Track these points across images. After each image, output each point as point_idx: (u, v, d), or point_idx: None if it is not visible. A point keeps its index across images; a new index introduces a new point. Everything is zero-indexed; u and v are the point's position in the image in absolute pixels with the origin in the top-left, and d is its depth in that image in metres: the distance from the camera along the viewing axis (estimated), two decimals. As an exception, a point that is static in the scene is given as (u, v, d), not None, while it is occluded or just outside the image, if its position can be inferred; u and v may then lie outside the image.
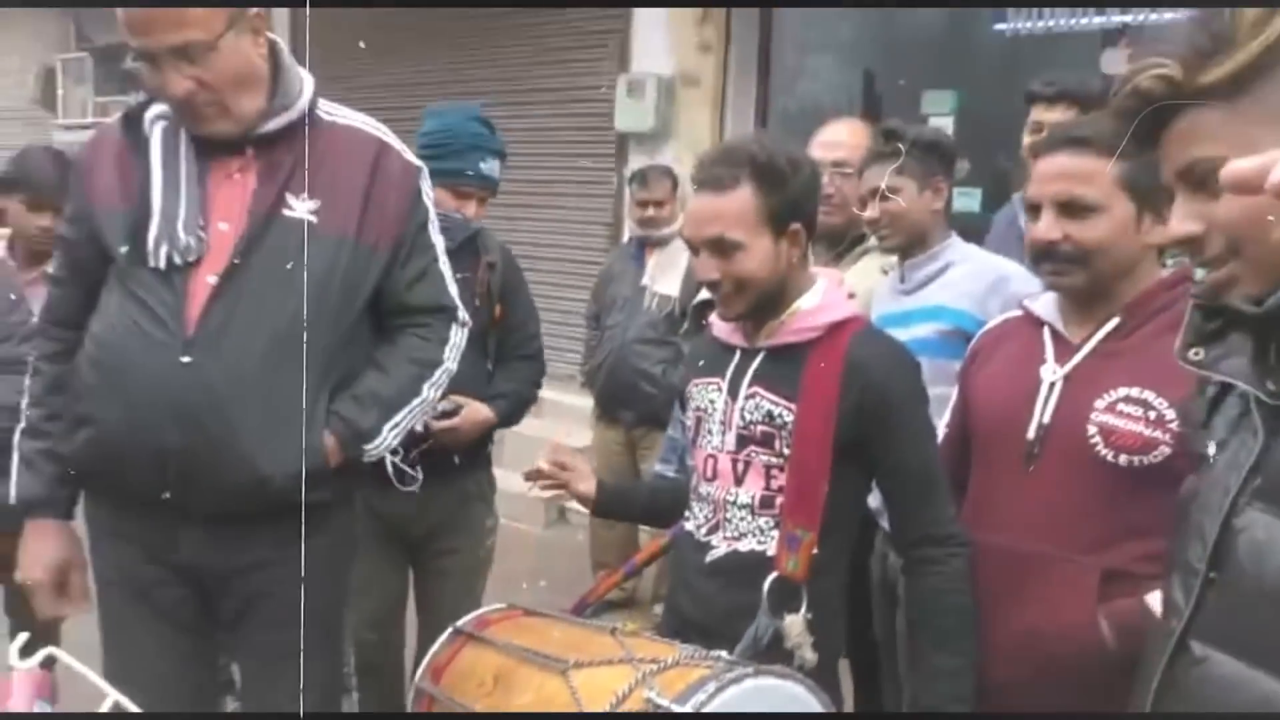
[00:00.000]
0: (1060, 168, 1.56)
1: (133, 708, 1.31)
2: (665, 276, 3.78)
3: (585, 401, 4.45)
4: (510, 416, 2.64)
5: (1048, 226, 1.56)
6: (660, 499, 1.93)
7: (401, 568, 2.68)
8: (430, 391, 1.89)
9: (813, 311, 1.60)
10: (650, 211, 3.79)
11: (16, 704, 1.30)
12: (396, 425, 1.84)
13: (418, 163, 1.89)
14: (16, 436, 1.85)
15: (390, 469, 2.38)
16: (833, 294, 1.64)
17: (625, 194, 4.99)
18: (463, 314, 1.95)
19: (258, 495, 1.70)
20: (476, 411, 2.47)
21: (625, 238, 4.98)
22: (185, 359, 1.65)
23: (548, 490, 1.86)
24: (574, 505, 4.73)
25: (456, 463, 2.52)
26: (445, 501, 2.55)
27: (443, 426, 2.41)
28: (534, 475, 1.84)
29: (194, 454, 1.65)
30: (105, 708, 1.30)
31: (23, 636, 1.36)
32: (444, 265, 1.92)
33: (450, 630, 1.61)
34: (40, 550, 1.82)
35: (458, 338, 1.93)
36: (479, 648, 1.56)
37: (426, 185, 1.90)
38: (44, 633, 2.86)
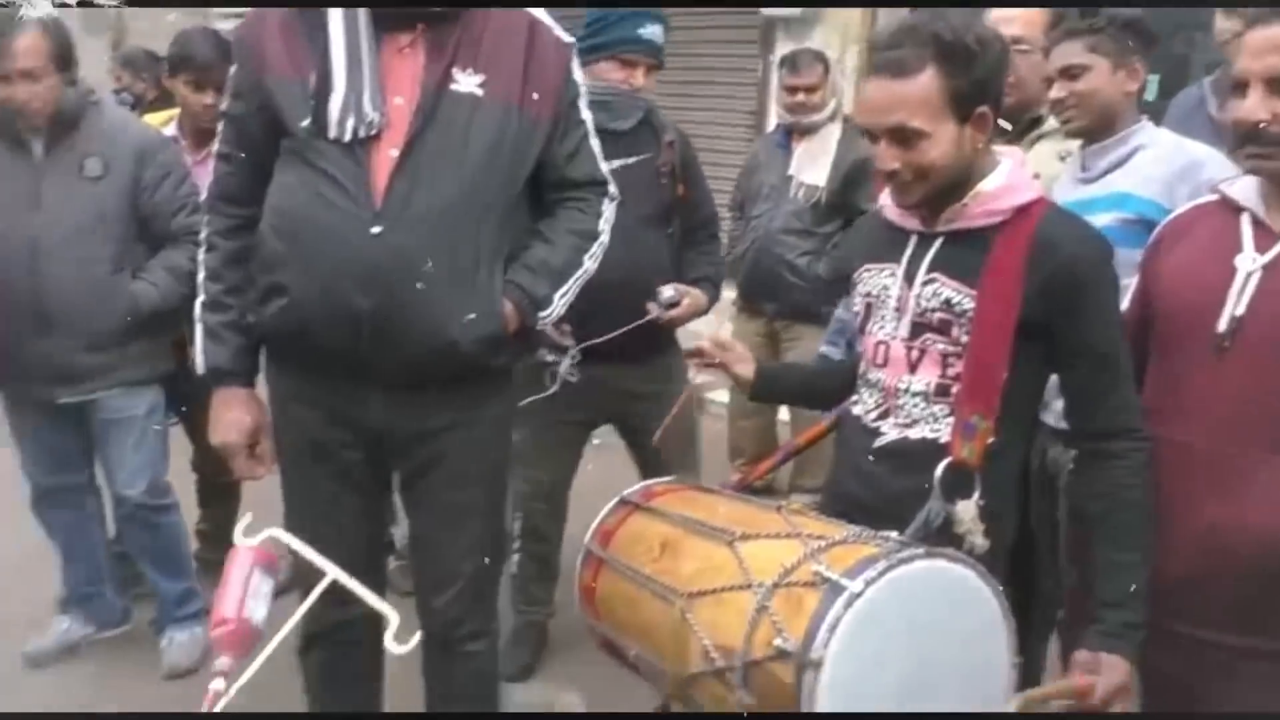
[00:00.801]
0: (1274, 40, 1.43)
1: (353, 584, 1.39)
2: (813, 165, 3.68)
3: (727, 293, 4.42)
4: (715, 299, 2.75)
5: (1255, 105, 1.45)
6: (821, 382, 1.92)
7: (580, 442, 2.80)
8: (589, 263, 1.96)
9: (997, 194, 1.53)
10: (800, 97, 3.66)
11: (237, 573, 1.40)
12: (565, 294, 1.92)
13: (568, 38, 1.91)
14: (197, 310, 1.95)
15: (552, 373, 2.50)
16: (1017, 175, 1.56)
17: (770, 81, 4.85)
18: (613, 188, 2.00)
19: (445, 360, 1.79)
20: (698, 300, 2.59)
21: (770, 126, 4.85)
22: (375, 230, 1.72)
23: (705, 373, 1.87)
24: (712, 395, 4.77)
25: (663, 341, 2.64)
26: (663, 373, 2.66)
27: (671, 316, 2.52)
28: (694, 353, 1.85)
29: (386, 322, 1.73)
30: (324, 586, 1.41)
31: (247, 517, 1.47)
32: (594, 141, 1.96)
33: (617, 499, 1.67)
34: (232, 416, 1.94)
35: (609, 211, 1.98)
36: (646, 517, 1.61)
37: (576, 62, 1.92)
38: (227, 489, 3.13)
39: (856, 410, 1.66)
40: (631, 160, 2.59)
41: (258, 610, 1.40)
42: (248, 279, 1.89)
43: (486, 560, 2.04)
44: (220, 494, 3.14)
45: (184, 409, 2.93)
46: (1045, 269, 1.48)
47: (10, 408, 2.72)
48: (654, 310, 2.49)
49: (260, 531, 1.44)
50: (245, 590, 1.40)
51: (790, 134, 3.77)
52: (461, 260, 1.77)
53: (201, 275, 1.95)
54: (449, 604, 2.05)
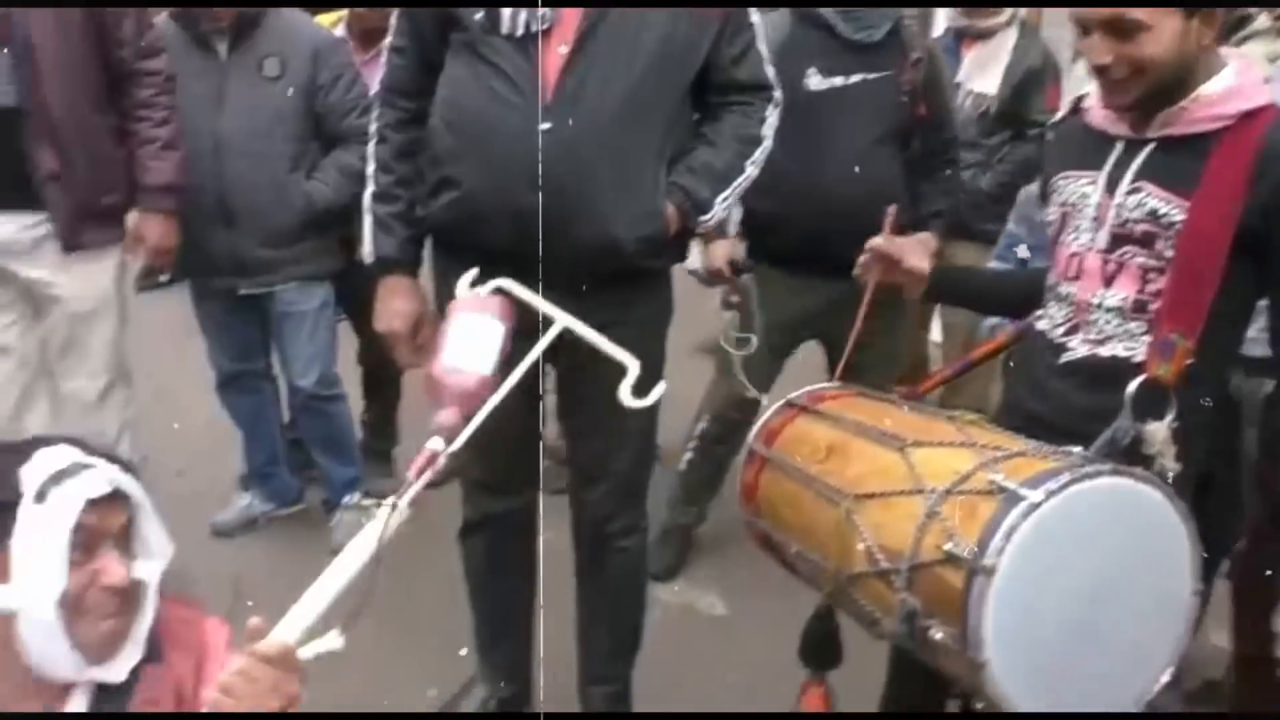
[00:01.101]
0: None
1: (586, 330, 1.39)
2: (983, 73, 3.47)
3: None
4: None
5: None
6: (1003, 288, 1.84)
7: (785, 355, 2.78)
8: (751, 169, 1.93)
9: (1222, 97, 1.41)
10: (979, -1, 3.45)
11: (458, 322, 1.38)
12: (726, 199, 1.90)
13: None
14: (366, 200, 2.00)
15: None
16: (1247, 77, 1.43)
17: (939, -18, 4.56)
18: (778, 94, 1.94)
19: (606, 258, 1.81)
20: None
21: (938, 30, 4.61)
22: (545, 125, 1.73)
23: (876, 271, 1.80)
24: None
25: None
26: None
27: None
28: (869, 251, 1.78)
29: (552, 218, 1.75)
30: (555, 331, 1.38)
31: (473, 272, 1.43)
32: (762, 45, 1.92)
33: (783, 402, 1.66)
34: (397, 305, 1.99)
35: (774, 116, 1.94)
36: (813, 419, 1.61)
37: None
38: (390, 382, 3.29)
39: (1042, 325, 1.60)
40: (872, 76, 2.50)
41: (483, 361, 1.36)
42: (416, 171, 1.93)
43: (637, 458, 2.08)
44: (383, 387, 3.30)
45: (351, 305, 3.06)
46: (1272, 180, 1.37)
47: (197, 298, 2.90)
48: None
49: (486, 284, 1.43)
50: (467, 339, 1.36)
51: (960, 38, 3.56)
52: (628, 159, 1.78)
53: (371, 167, 1.99)
54: (600, 500, 2.11)
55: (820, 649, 1.55)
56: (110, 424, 2.54)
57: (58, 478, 1.13)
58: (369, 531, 1.22)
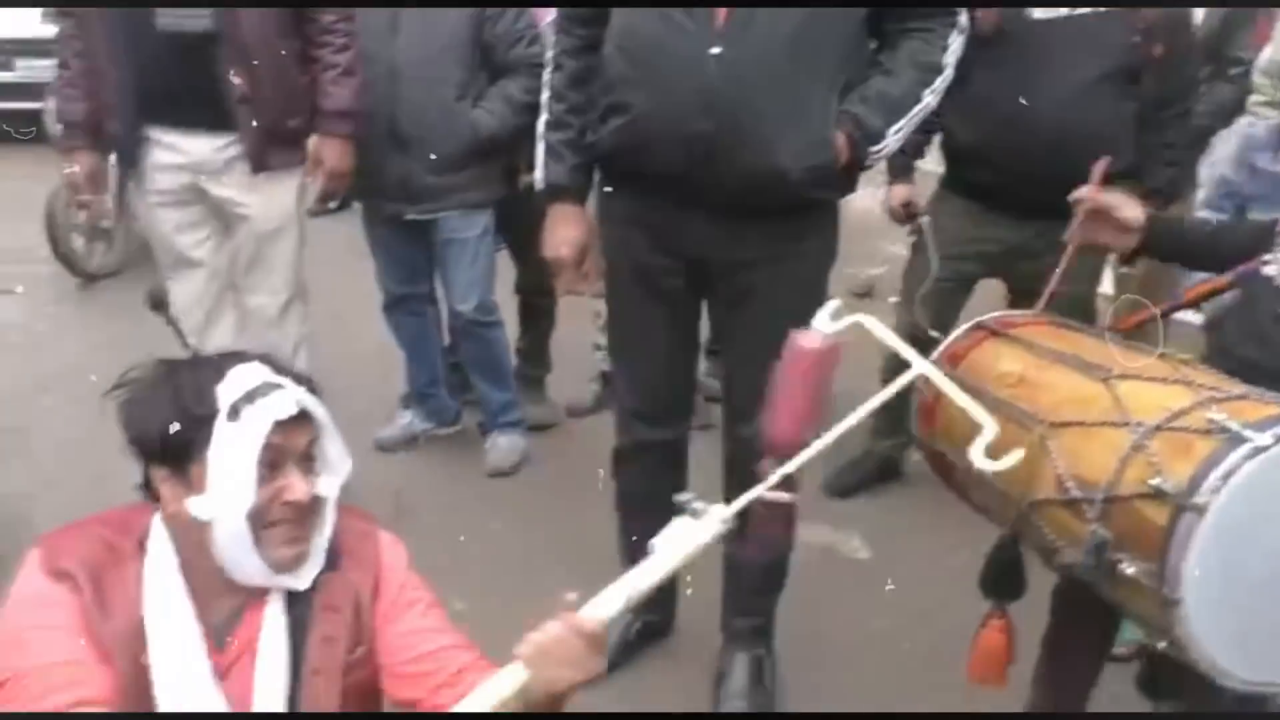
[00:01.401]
0: None
1: (943, 380, 1.28)
2: (1182, 5, 3.22)
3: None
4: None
5: None
6: (1222, 241, 1.71)
7: (965, 293, 2.72)
8: (930, 98, 1.85)
9: None
10: (1183, -80, 3.17)
11: (790, 377, 1.33)
12: (899, 130, 1.84)
13: None
14: (540, 128, 2.02)
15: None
16: None
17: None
18: (964, 18, 1.85)
19: (771, 187, 1.78)
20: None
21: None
22: (714, 50, 1.71)
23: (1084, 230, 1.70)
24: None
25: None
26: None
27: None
28: (1075, 201, 1.69)
29: (720, 141, 1.74)
30: (910, 377, 1.29)
31: (835, 303, 1.35)
32: None
33: (971, 324, 1.61)
34: (564, 232, 2.02)
35: (957, 43, 1.85)
36: (1004, 343, 1.56)
37: None
38: (544, 312, 3.34)
39: (1270, 270, 1.50)
40: (1103, 9, 2.34)
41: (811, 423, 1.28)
42: (589, 99, 1.93)
43: None
44: (538, 316, 3.37)
45: (511, 234, 3.12)
46: None
47: (368, 221, 3.01)
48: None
49: (843, 317, 1.34)
50: (802, 399, 1.30)
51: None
52: (798, 87, 1.74)
53: (546, 95, 2.01)
54: (754, 436, 2.08)
55: (1003, 579, 1.52)
56: (288, 339, 2.68)
57: (250, 396, 1.18)
58: (697, 531, 1.19)
